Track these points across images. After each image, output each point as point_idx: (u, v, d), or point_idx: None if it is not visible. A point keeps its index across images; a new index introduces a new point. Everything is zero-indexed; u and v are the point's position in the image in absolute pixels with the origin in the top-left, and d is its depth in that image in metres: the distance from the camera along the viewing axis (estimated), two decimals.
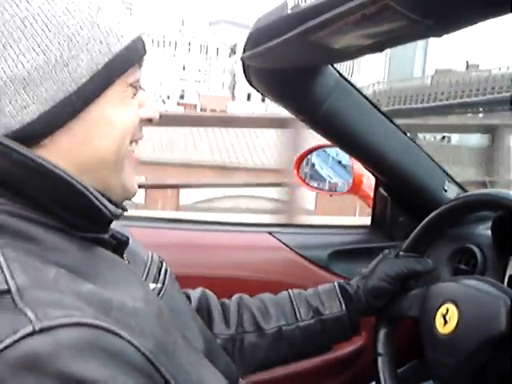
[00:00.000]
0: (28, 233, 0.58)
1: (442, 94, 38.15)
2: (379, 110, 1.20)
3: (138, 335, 0.55)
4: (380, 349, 1.05)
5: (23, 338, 0.47)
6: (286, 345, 1.02)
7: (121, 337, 0.52)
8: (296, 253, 1.40)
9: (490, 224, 1.22)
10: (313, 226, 1.59)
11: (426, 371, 1.04)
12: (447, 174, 1.35)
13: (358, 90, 1.15)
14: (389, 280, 1.04)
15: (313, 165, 1.58)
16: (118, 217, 0.66)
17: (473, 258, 1.24)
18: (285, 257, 1.40)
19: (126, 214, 0.69)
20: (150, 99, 0.72)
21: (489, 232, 1.23)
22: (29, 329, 0.48)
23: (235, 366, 0.91)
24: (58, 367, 0.47)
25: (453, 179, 1.35)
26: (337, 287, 1.06)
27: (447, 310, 0.92)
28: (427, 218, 1.08)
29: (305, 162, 1.58)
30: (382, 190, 1.43)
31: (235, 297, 1.08)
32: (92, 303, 0.54)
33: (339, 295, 1.05)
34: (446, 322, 0.92)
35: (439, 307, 0.94)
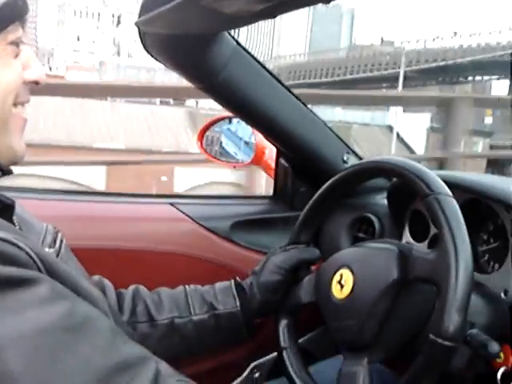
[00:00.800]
0: None
1: (353, 67, 38.99)
2: (278, 80, 1.20)
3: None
4: (283, 343, 1.04)
5: None
6: (178, 337, 1.01)
7: (19, 247, 0.54)
8: (198, 224, 1.39)
9: (385, 194, 1.25)
10: (215, 197, 1.58)
11: (332, 340, 1.03)
12: (347, 145, 1.38)
13: (257, 60, 1.15)
14: (281, 272, 1.04)
15: (216, 136, 1.57)
16: None
17: (371, 226, 1.27)
18: (187, 228, 1.39)
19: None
20: (35, 61, 0.70)
21: (385, 201, 1.27)
22: None
23: None
24: None
25: (352, 150, 1.38)
26: (233, 284, 1.06)
27: (341, 276, 0.94)
28: (322, 188, 1.09)
29: (208, 133, 1.57)
30: (282, 161, 1.43)
31: (131, 287, 1.07)
32: None
33: (234, 292, 1.04)
34: (342, 287, 0.93)
35: (333, 274, 0.95)
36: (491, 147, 26.48)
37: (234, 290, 1.05)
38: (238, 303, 1.03)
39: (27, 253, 0.54)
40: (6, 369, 0.48)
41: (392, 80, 37.81)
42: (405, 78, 36.11)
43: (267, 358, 1.34)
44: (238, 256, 1.41)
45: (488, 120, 33.09)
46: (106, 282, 1.04)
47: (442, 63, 34.91)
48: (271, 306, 1.06)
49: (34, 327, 0.50)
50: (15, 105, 0.67)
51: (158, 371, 0.58)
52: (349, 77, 38.39)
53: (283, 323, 1.05)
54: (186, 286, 1.07)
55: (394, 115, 24.94)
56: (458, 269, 0.80)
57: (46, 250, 0.77)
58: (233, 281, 1.07)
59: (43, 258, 0.57)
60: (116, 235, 1.35)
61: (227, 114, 1.47)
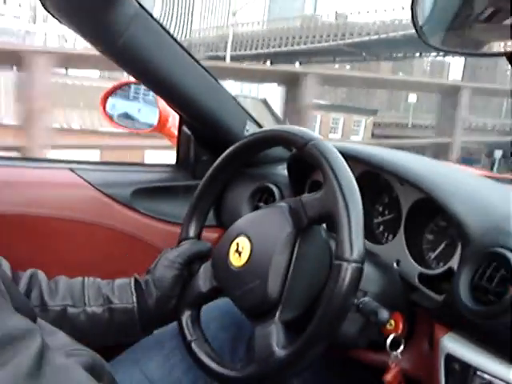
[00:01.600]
0: None
1: (294, 38, 38.65)
2: (182, 46, 1.19)
3: None
4: (189, 336, 1.01)
5: None
6: (68, 326, 0.97)
7: None
8: (98, 190, 1.36)
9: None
10: (115, 164, 1.55)
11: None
12: (249, 114, 1.39)
13: (160, 24, 1.13)
14: (175, 266, 1.04)
15: (120, 102, 1.55)
16: None
17: (271, 196, 1.30)
18: (87, 194, 1.37)
19: None
20: None
21: (286, 171, 1.29)
22: None
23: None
24: None
25: (255, 120, 1.39)
26: (132, 281, 1.05)
27: (238, 244, 0.95)
28: (222, 155, 1.10)
29: (111, 98, 1.54)
30: (185, 129, 1.43)
31: (29, 271, 1.04)
32: None
33: (132, 288, 1.03)
34: (240, 254, 0.94)
35: (230, 245, 0.96)
36: (375, 124, 28.18)
37: (133, 286, 1.03)
38: (134, 299, 1.02)
39: None
40: None
41: (335, 53, 37.59)
42: (345, 51, 36.28)
43: None
44: (139, 223, 1.40)
45: (412, 98, 33.89)
46: (3, 260, 1.01)
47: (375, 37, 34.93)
48: (169, 302, 1.04)
49: None
50: None
51: (43, 345, 0.58)
52: (298, 48, 37.88)
53: (186, 316, 1.03)
54: (85, 278, 1.05)
55: (267, 88, 24.87)
56: (345, 194, 0.83)
57: None
58: (132, 278, 1.05)
59: None
60: (15, 200, 1.31)
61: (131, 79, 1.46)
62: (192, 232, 1.12)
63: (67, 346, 0.80)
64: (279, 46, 39.18)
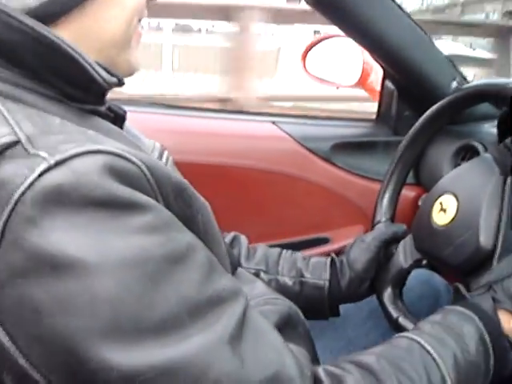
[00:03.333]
0: (27, 100, 0.57)
1: None
2: None
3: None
4: (394, 313, 0.98)
5: (40, 175, 0.48)
6: None
7: (133, 162, 0.53)
8: (299, 143, 1.39)
9: (495, 122, 1.20)
10: (317, 117, 1.56)
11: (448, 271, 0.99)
12: (457, 69, 1.32)
13: None
14: (371, 249, 1.02)
15: (321, 56, 1.55)
16: (111, 86, 0.65)
17: (476, 154, 1.23)
18: (287, 147, 1.40)
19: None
20: None
21: (494, 130, 1.21)
22: (44, 165, 0.48)
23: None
24: (82, 194, 0.48)
25: (463, 77, 1.32)
26: (328, 260, 1.04)
27: (441, 204, 0.91)
28: (427, 112, 1.06)
29: (312, 52, 1.54)
30: (388, 83, 1.39)
31: (233, 233, 1.08)
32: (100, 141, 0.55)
33: (327, 266, 1.03)
34: (445, 212, 0.90)
35: (433, 205, 0.93)
36: None
37: (328, 264, 1.03)
38: (327, 276, 1.02)
39: (141, 170, 0.54)
40: (99, 295, 0.48)
41: None
42: None
43: None
44: (337, 178, 1.41)
45: None
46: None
47: None
48: (362, 284, 1.03)
49: (136, 255, 0.50)
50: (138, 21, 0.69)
51: (247, 305, 0.58)
52: None
53: (387, 294, 1.01)
54: (284, 250, 1.07)
55: None
56: None
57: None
58: (329, 257, 1.05)
59: (154, 170, 0.56)
60: (219, 151, 1.37)
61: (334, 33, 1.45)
62: (388, 213, 1.10)
63: (265, 295, 0.83)
64: None
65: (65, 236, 0.48)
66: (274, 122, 1.41)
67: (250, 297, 0.72)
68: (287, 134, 1.40)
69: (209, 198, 1.07)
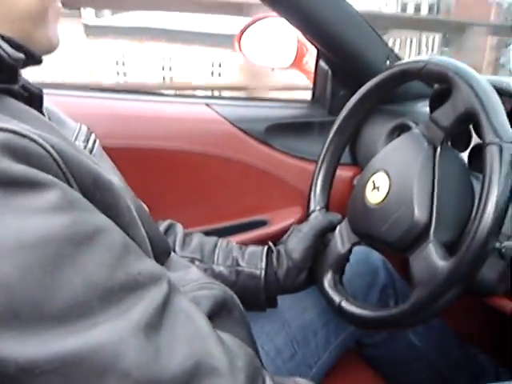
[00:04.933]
0: None
1: None
2: None
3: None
4: (337, 299, 0.96)
5: None
6: None
7: (35, 141, 0.49)
8: (233, 125, 1.37)
9: (428, 101, 1.21)
10: (251, 99, 1.54)
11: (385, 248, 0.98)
12: (390, 48, 1.32)
13: None
14: (308, 238, 1.01)
15: (255, 37, 1.52)
16: (18, 62, 0.61)
17: None
18: (222, 129, 1.37)
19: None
20: None
21: (427, 109, 1.22)
22: None
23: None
24: None
25: (396, 55, 1.32)
26: (264, 249, 1.03)
27: (374, 183, 0.92)
28: (360, 90, 1.05)
29: (247, 34, 1.51)
30: (322, 63, 1.39)
31: (168, 221, 1.06)
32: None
33: (263, 255, 1.02)
34: (378, 189, 0.90)
35: (366, 184, 0.93)
36: None
37: (264, 253, 1.02)
38: (263, 265, 1.00)
39: (47, 150, 0.50)
40: (2, 279, 0.44)
41: None
42: None
43: None
44: (273, 159, 1.40)
45: None
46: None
47: None
48: (299, 274, 1.02)
49: (36, 236, 0.46)
50: None
51: (170, 291, 0.55)
52: None
53: (327, 280, 1.00)
54: (220, 239, 1.06)
55: None
56: (475, 88, 0.79)
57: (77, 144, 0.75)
58: (266, 247, 1.04)
59: (65, 155, 0.52)
60: (151, 135, 1.33)
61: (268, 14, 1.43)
62: (322, 202, 1.10)
63: (200, 280, 0.81)
64: None
65: None
66: (207, 104, 1.39)
67: (184, 282, 0.69)
68: (221, 116, 1.37)
69: (143, 182, 1.04)
